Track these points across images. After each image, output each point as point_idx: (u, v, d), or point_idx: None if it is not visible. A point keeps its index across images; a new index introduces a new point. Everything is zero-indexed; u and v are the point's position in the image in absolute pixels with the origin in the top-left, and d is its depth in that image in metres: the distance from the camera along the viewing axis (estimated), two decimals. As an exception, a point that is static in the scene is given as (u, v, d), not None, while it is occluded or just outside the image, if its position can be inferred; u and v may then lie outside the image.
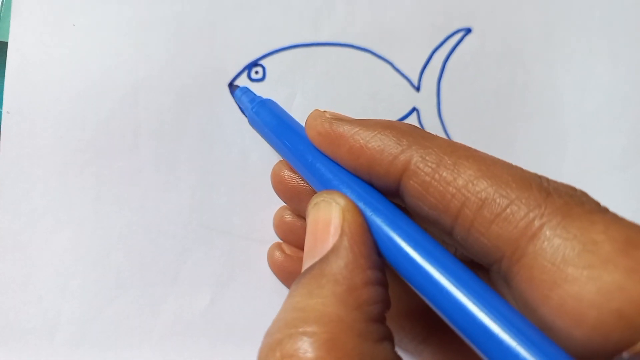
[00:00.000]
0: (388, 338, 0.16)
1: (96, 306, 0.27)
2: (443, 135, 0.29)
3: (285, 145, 0.23)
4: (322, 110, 0.22)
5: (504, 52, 0.30)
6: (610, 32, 0.30)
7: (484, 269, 0.19)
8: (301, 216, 0.26)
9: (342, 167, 0.20)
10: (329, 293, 0.16)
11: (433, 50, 0.30)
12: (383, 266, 0.18)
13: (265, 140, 0.25)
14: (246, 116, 0.26)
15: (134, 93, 0.28)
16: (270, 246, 0.27)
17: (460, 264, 0.16)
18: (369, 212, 0.18)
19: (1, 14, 0.28)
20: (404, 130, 0.19)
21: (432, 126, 0.30)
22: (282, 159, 0.25)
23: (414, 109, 0.29)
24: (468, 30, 0.30)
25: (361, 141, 0.19)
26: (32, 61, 0.27)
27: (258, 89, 0.28)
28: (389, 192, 0.19)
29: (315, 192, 0.22)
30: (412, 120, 0.30)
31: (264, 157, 0.28)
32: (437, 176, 0.18)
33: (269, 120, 0.24)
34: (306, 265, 0.18)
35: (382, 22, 0.29)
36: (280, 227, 0.26)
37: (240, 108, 0.28)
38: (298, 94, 0.29)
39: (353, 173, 0.20)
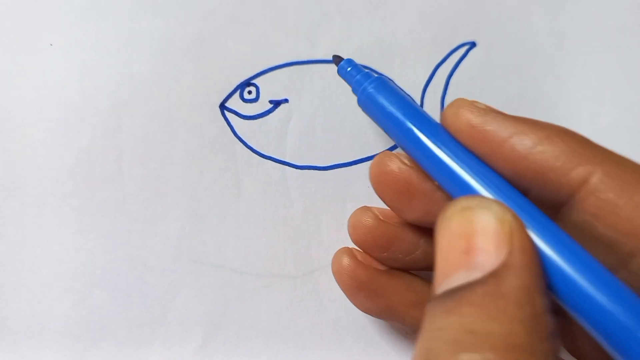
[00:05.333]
0: None
1: (78, 350, 0.26)
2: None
3: (415, 133, 0.20)
4: (468, 99, 0.20)
5: (512, 66, 0.28)
6: (626, 42, 0.29)
7: None
8: (386, 221, 0.23)
9: (490, 168, 0.18)
10: (514, 319, 0.14)
11: (436, 66, 0.28)
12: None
13: (380, 126, 0.22)
14: (355, 94, 0.23)
15: (116, 117, 0.26)
16: (337, 251, 0.24)
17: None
18: (532, 229, 0.16)
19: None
20: (582, 138, 0.17)
21: (437, 146, 0.28)
22: (387, 150, 0.22)
23: (417, 128, 0.28)
24: (473, 44, 0.28)
25: (530, 143, 0.17)
26: (5, 84, 0.26)
27: (251, 110, 0.27)
28: (551, 203, 0.18)
29: (435, 192, 0.20)
30: (416, 140, 0.28)
31: (259, 183, 0.27)
32: (627, 195, 0.16)
33: (390, 102, 0.21)
34: (456, 276, 0.16)
35: (382, 37, 0.28)
36: (358, 230, 0.23)
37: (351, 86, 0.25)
38: (294, 115, 0.27)
39: (506, 178, 0.18)
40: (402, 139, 0.21)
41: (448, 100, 0.28)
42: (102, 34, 0.27)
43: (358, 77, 0.23)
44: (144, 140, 0.26)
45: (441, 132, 0.20)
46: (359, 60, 0.28)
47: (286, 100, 0.27)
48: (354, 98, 0.27)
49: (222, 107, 0.27)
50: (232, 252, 0.27)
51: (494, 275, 0.15)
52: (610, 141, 0.28)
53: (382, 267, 0.24)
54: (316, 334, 0.26)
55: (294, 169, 0.27)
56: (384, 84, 0.22)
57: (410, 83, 0.28)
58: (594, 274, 0.15)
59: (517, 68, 0.28)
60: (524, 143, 0.17)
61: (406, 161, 0.22)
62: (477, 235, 0.16)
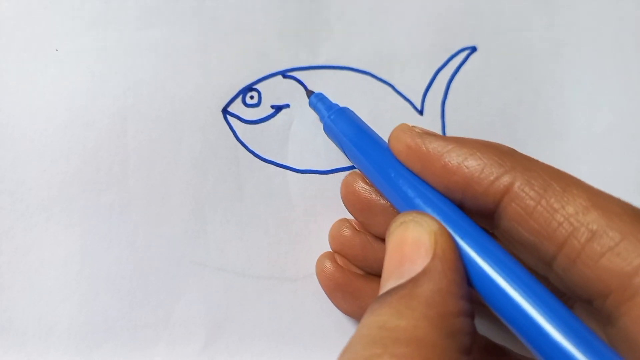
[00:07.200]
0: None
1: (83, 351, 0.26)
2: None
3: (365, 156, 0.22)
4: (409, 124, 0.21)
5: (511, 71, 0.29)
6: (622, 49, 0.29)
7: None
8: (361, 231, 0.25)
9: (427, 184, 0.20)
10: (421, 316, 0.16)
11: (436, 71, 0.28)
12: (471, 297, 0.17)
13: (341, 149, 0.24)
14: (322, 122, 0.25)
15: (121, 121, 0.27)
16: (320, 255, 0.26)
17: (555, 298, 0.16)
18: (458, 237, 0.18)
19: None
20: (505, 150, 0.19)
21: (436, 150, 0.28)
22: (354, 170, 0.24)
23: (417, 133, 0.28)
24: (473, 49, 0.28)
25: (458, 159, 0.19)
26: (14, 90, 0.26)
27: (252, 115, 0.27)
28: (482, 213, 0.19)
29: (392, 207, 0.22)
30: (416, 144, 0.28)
31: (261, 186, 0.27)
32: (543, 202, 0.17)
33: (347, 129, 0.24)
34: (389, 284, 0.18)
35: (382, 43, 0.28)
36: (337, 240, 0.26)
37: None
38: (295, 120, 0.27)
39: (441, 192, 0.20)
40: (356, 163, 0.23)
41: (448, 105, 0.28)
42: (109, 41, 0.27)
43: (322, 108, 0.25)
44: (149, 144, 0.27)
45: (387, 156, 0.21)
46: (360, 67, 0.28)
47: (287, 106, 0.27)
48: (356, 105, 0.28)
49: (225, 111, 0.27)
50: (235, 254, 0.27)
51: (412, 281, 0.17)
52: (606, 146, 0.29)
53: (360, 272, 0.25)
54: (317, 336, 0.27)
55: (295, 173, 0.27)
56: (343, 115, 0.24)
57: (410, 89, 0.28)
58: (513, 275, 0.17)
59: (514, 74, 0.29)
60: (452, 160, 0.19)
61: (367, 181, 0.24)
62: (407, 247, 0.18)
